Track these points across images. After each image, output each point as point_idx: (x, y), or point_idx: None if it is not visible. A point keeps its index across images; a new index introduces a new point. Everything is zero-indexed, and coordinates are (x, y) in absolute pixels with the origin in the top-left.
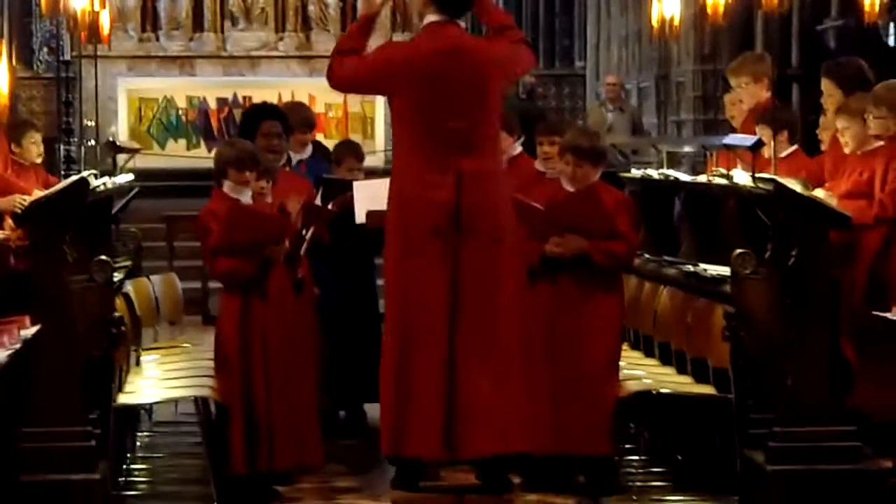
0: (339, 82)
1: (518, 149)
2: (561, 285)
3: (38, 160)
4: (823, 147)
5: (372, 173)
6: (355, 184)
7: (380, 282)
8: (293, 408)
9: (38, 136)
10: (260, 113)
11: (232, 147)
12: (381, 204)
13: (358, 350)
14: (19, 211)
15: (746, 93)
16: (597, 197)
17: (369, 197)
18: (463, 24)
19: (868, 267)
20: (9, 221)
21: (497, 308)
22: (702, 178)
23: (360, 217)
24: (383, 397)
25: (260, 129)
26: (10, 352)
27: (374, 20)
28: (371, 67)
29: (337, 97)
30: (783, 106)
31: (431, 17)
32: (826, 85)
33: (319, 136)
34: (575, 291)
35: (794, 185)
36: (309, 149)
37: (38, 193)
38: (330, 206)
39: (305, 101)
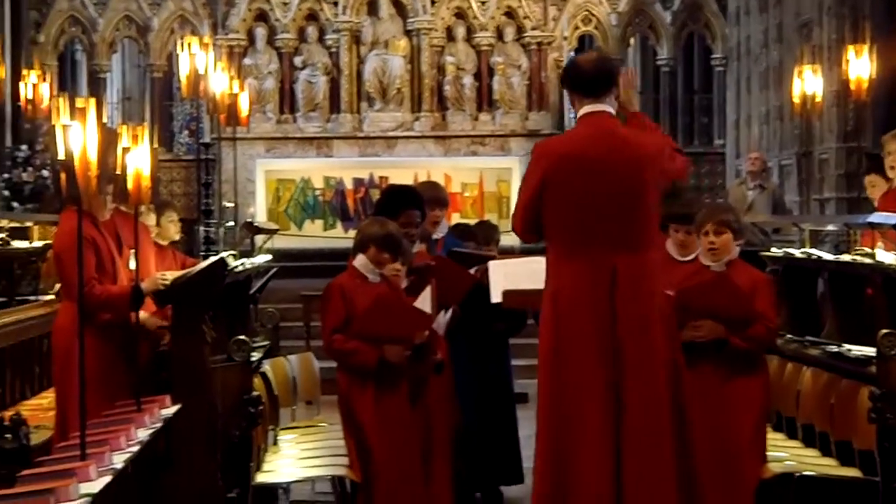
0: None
1: None
2: (701, 370)
3: (177, 237)
4: None
5: (508, 252)
6: (490, 264)
7: (515, 362)
8: (432, 491)
9: (175, 216)
10: (402, 199)
11: (382, 227)
12: (517, 283)
13: (494, 431)
14: (163, 288)
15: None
16: (729, 282)
17: (504, 276)
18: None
19: None
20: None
21: (658, 401)
22: (846, 258)
23: (495, 297)
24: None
25: (400, 214)
26: (151, 430)
27: None
28: (528, 176)
29: (472, 177)
30: None
31: (584, 109)
32: None
33: (456, 216)
34: (715, 375)
35: None
36: (443, 226)
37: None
38: (473, 272)
39: (441, 180)
